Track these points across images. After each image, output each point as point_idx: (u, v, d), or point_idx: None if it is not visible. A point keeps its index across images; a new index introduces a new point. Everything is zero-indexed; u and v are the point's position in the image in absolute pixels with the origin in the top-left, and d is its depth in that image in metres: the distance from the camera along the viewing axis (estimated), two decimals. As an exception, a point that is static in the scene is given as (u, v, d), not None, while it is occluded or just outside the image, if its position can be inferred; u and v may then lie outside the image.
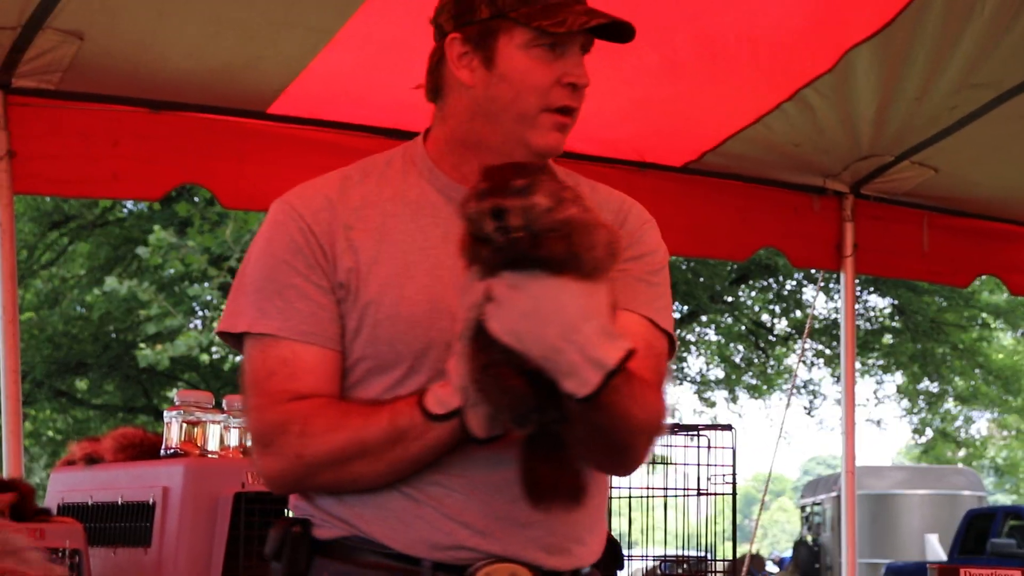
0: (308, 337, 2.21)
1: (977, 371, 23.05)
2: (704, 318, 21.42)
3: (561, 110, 2.23)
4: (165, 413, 3.48)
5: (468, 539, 2.16)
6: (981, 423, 30.68)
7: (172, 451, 3.42)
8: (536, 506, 2.09)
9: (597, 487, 2.27)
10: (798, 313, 21.24)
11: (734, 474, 4.23)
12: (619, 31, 2.26)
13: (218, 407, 3.55)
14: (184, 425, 3.44)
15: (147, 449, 3.56)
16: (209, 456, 3.43)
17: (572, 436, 2.09)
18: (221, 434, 3.48)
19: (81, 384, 20.61)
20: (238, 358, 19.86)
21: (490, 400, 2.05)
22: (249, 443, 2.29)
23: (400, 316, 2.19)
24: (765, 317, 22.17)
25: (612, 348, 2.01)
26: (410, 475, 2.17)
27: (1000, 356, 25.03)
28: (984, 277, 6.78)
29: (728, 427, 4.32)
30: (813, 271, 7.20)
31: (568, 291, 2.00)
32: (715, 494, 4.17)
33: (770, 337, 22.41)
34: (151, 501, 3.24)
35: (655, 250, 2.35)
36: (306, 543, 2.25)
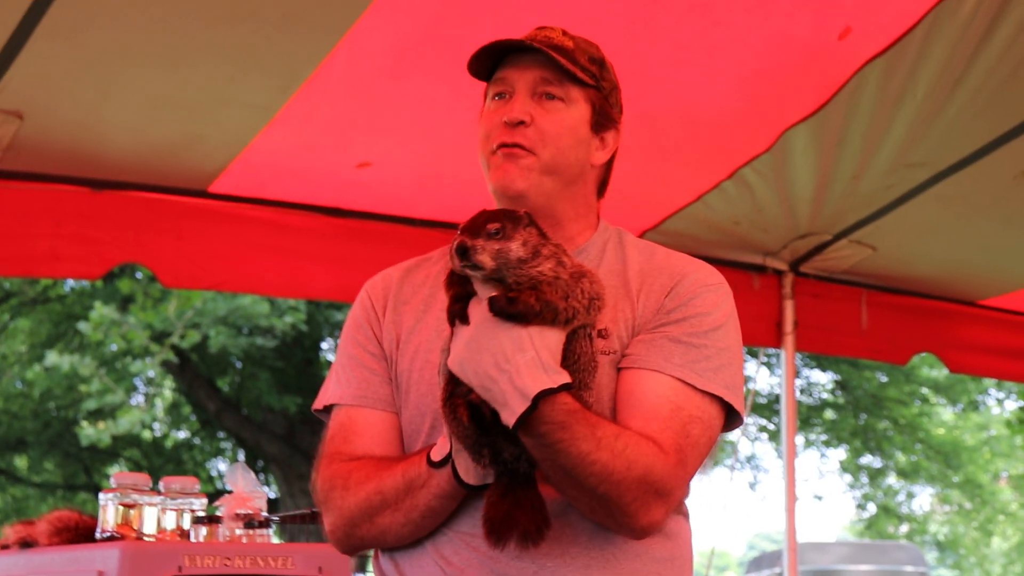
0: (360, 400, 2.37)
1: (918, 446, 23.15)
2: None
3: (500, 147, 2.34)
4: (101, 495, 3.43)
5: None
6: (923, 498, 30.82)
7: (108, 534, 3.37)
8: (494, 544, 2.07)
9: (626, 550, 2.22)
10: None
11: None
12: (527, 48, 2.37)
13: (155, 489, 3.51)
14: (120, 507, 3.39)
15: (83, 532, 3.50)
16: (145, 539, 3.38)
17: (543, 476, 2.10)
18: (158, 516, 3.44)
19: (20, 462, 20.34)
20: (181, 434, 19.73)
21: (452, 434, 2.09)
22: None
23: (423, 381, 2.31)
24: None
25: (541, 379, 2.00)
26: (433, 530, 2.24)
27: (941, 431, 25.17)
28: (923, 354, 6.83)
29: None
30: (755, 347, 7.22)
31: (505, 325, 2.02)
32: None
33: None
34: (86, 585, 3.19)
35: (707, 312, 2.30)
36: None
